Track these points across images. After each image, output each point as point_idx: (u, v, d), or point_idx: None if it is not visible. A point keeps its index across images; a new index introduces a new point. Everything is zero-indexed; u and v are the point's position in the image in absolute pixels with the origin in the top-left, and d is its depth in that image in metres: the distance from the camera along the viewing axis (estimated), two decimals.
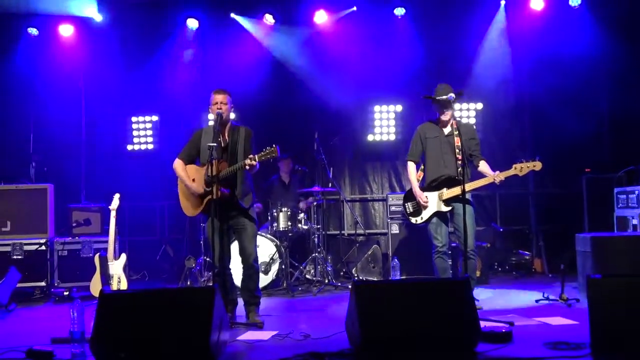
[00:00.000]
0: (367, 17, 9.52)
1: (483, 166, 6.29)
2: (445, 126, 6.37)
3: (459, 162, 6.08)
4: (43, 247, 7.84)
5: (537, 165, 5.95)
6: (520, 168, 5.97)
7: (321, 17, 9.55)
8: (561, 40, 9.20)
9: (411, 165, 6.54)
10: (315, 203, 8.41)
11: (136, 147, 10.22)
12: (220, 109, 5.68)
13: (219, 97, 5.73)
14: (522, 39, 9.39)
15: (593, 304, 4.12)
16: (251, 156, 5.43)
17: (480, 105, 9.73)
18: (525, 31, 9.36)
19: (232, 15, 9.68)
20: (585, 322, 4.20)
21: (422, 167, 6.59)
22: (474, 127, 7.18)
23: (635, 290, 4.17)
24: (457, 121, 6.29)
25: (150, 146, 10.20)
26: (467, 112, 9.74)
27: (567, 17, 9.20)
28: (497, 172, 6.05)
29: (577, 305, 6.04)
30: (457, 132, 6.21)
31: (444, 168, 6.28)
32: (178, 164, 5.87)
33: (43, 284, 7.84)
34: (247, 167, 5.44)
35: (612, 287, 4.18)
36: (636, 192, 7.64)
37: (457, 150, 6.19)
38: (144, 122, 10.21)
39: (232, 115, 6.07)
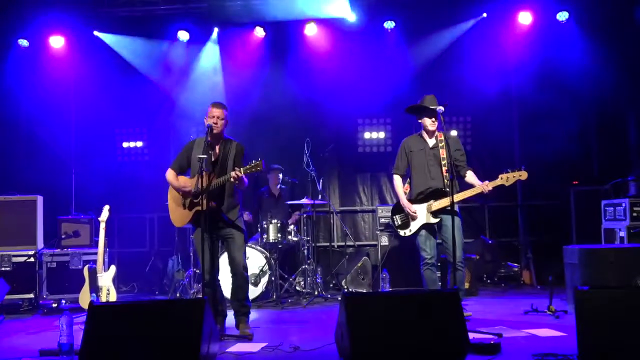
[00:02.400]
0: (356, 30, 9.55)
1: (470, 177, 6.35)
2: (430, 138, 6.43)
3: (446, 174, 6.14)
4: (32, 259, 7.80)
5: (523, 175, 6.01)
6: (507, 178, 6.02)
7: (311, 30, 9.59)
8: (549, 54, 9.30)
9: (397, 179, 6.60)
10: (304, 215, 8.42)
11: (126, 159, 10.23)
12: (216, 123, 5.72)
13: (216, 112, 5.76)
14: (510, 53, 9.46)
15: (581, 316, 4.14)
16: (237, 169, 5.46)
17: (469, 119, 9.83)
18: (514, 45, 9.43)
19: (216, 29, 9.72)
20: (573, 334, 4.23)
21: (409, 180, 6.64)
22: (458, 138, 7.25)
23: (623, 302, 4.19)
24: (443, 133, 6.34)
25: (140, 158, 10.20)
26: (456, 125, 9.81)
27: (555, 32, 9.29)
28: (486, 182, 6.11)
29: (566, 316, 6.07)
30: (442, 143, 6.26)
31: (431, 180, 6.33)
32: (170, 174, 5.91)
33: (31, 295, 7.79)
34: (232, 179, 5.47)
35: (600, 299, 4.20)
36: (623, 204, 7.71)
37: (443, 162, 6.24)
38: (134, 134, 10.22)
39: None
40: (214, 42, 9.79)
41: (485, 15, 9.37)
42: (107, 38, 9.71)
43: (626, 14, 9.05)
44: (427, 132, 6.45)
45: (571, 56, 9.12)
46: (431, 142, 6.43)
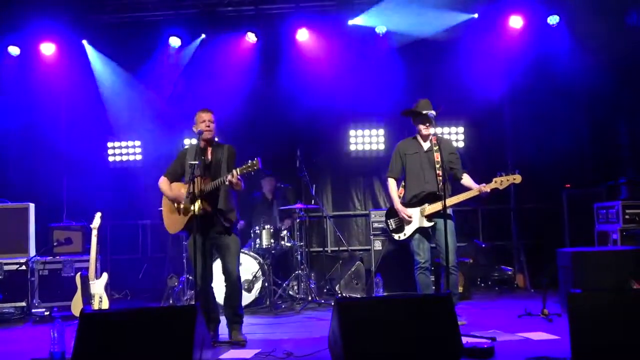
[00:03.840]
0: (349, 35, 9.55)
1: (467, 179, 6.36)
2: (425, 141, 6.42)
3: (440, 178, 6.14)
4: (23, 267, 7.75)
5: (517, 179, 6.02)
6: (501, 181, 6.03)
7: (303, 36, 9.59)
8: (540, 57, 9.32)
9: (391, 182, 6.58)
10: (297, 220, 8.41)
11: (118, 165, 10.20)
12: (209, 127, 5.73)
13: (206, 116, 5.77)
14: (502, 57, 9.47)
15: (574, 319, 4.14)
16: (232, 171, 5.43)
17: (462, 123, 9.84)
18: (506, 49, 9.44)
19: (203, 35, 9.71)
20: (566, 337, 4.22)
21: (403, 183, 6.63)
22: (453, 142, 7.24)
23: (616, 305, 4.20)
24: (437, 137, 6.33)
25: (133, 164, 10.18)
26: (448, 129, 9.83)
27: (546, 35, 9.32)
28: (483, 184, 6.11)
29: (559, 320, 6.07)
30: (436, 147, 6.26)
31: (425, 184, 6.32)
32: (163, 182, 5.89)
33: (23, 304, 7.74)
34: (228, 182, 5.44)
35: (593, 302, 4.21)
36: (615, 207, 7.73)
37: (437, 166, 6.24)
38: (126, 140, 10.20)
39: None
40: (201, 48, 9.77)
41: (476, 15, 9.38)
42: (93, 56, 9.75)
43: (617, 18, 9.09)
44: (422, 136, 6.45)
45: (563, 59, 9.16)
46: (425, 145, 6.42)
